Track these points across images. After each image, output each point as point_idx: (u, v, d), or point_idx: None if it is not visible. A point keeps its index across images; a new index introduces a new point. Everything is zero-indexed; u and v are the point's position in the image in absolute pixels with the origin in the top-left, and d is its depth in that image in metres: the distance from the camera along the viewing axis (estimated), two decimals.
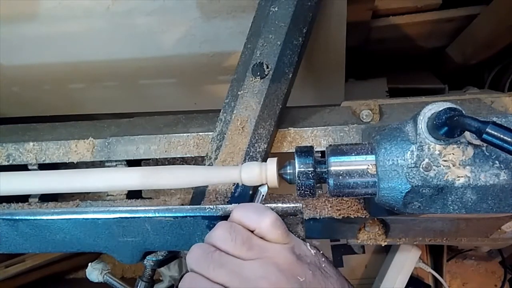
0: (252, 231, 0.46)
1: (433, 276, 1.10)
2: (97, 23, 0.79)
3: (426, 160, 0.46)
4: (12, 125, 0.78)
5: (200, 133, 0.66)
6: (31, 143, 0.70)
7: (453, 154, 0.46)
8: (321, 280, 0.44)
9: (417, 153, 0.46)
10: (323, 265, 0.46)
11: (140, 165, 0.71)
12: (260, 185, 0.53)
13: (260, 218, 0.45)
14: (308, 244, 0.47)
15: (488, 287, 1.23)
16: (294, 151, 0.52)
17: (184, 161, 0.71)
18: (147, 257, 0.57)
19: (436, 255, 1.12)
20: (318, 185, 0.52)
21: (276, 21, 0.62)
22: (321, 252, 0.48)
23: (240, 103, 0.62)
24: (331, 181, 0.50)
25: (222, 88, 0.89)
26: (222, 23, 0.77)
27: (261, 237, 0.46)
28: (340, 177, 0.50)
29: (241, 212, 0.47)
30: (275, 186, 0.53)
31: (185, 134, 0.67)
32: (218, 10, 0.76)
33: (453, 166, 0.45)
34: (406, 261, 1.02)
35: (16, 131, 0.75)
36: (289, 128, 0.65)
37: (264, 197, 0.51)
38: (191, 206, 0.56)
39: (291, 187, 0.54)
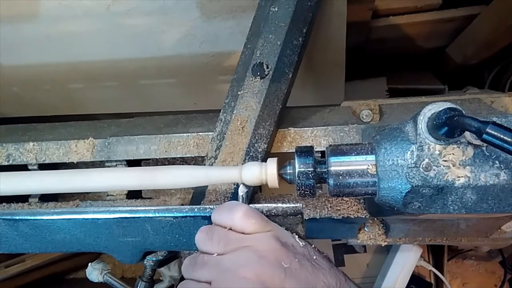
0: (230, 229, 0.47)
1: (434, 275, 1.10)
2: (97, 23, 0.79)
3: (426, 160, 0.46)
4: (12, 125, 0.78)
5: (200, 133, 0.66)
6: (31, 143, 0.70)
7: (453, 154, 0.46)
8: (311, 271, 0.44)
9: (417, 153, 0.46)
10: (314, 257, 0.46)
11: (140, 165, 0.71)
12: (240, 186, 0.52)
13: (231, 214, 0.46)
14: (296, 236, 0.48)
15: (488, 287, 1.23)
16: (294, 151, 0.52)
17: (184, 161, 0.71)
18: (147, 257, 0.57)
19: (437, 255, 1.12)
20: (318, 185, 0.52)
21: (276, 21, 0.62)
22: (313, 245, 0.48)
23: (240, 103, 0.62)
24: (331, 181, 0.50)
25: (222, 88, 0.89)
26: (222, 23, 0.77)
27: (241, 232, 0.46)
28: (340, 177, 0.50)
29: (216, 213, 0.49)
30: (276, 186, 0.53)
31: (185, 134, 0.67)
32: (218, 10, 0.76)
33: (453, 166, 0.45)
34: (408, 260, 1.03)
35: (16, 131, 0.75)
36: (289, 128, 0.65)
37: (245, 197, 0.50)
38: (191, 206, 0.56)
39: (291, 187, 0.54)
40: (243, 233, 0.46)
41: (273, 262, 0.43)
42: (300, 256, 0.44)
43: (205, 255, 0.46)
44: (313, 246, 0.48)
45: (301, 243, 0.46)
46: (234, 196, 0.62)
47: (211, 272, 0.44)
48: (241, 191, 0.50)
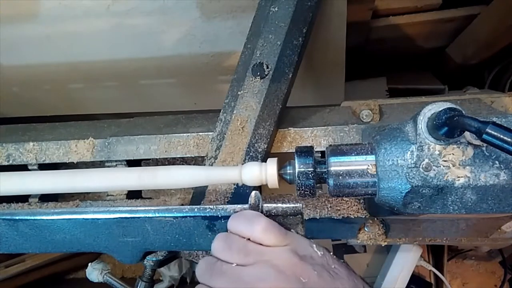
0: (248, 239, 0.46)
1: (434, 275, 1.10)
2: (97, 23, 0.79)
3: (426, 160, 0.46)
4: (12, 125, 0.78)
5: (200, 133, 0.66)
6: (31, 143, 0.70)
7: (453, 154, 0.46)
8: (329, 282, 0.44)
9: (417, 153, 0.46)
10: (333, 266, 0.45)
11: (140, 165, 0.71)
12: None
13: (251, 226, 0.46)
14: (315, 245, 0.47)
15: (488, 287, 1.23)
16: (294, 151, 0.52)
17: (184, 161, 0.71)
18: (147, 257, 0.57)
19: (437, 255, 1.12)
20: (318, 185, 0.52)
21: (276, 21, 0.62)
22: (331, 253, 0.47)
23: (240, 103, 0.62)
24: (331, 181, 0.50)
25: (222, 88, 0.89)
26: (222, 23, 0.77)
27: (258, 243, 0.46)
28: (340, 177, 0.50)
29: (234, 222, 0.48)
30: (276, 186, 0.53)
31: (185, 134, 0.67)
32: (218, 10, 0.76)
33: (453, 166, 0.45)
34: (407, 260, 1.03)
35: (16, 131, 0.75)
36: (289, 128, 0.65)
37: (258, 201, 0.50)
38: (191, 206, 0.56)
39: (291, 187, 0.54)
40: (260, 244, 0.46)
41: (291, 278, 0.43)
42: (318, 268, 0.44)
43: (223, 263, 0.45)
44: (331, 253, 0.47)
45: (319, 252, 0.46)
46: (234, 196, 0.62)
47: (230, 283, 0.44)
48: (255, 198, 0.49)
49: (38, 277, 1.10)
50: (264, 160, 0.58)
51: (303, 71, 0.81)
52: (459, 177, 0.45)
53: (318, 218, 0.63)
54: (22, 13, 0.79)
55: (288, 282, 0.42)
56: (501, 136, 0.38)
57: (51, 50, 0.84)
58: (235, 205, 0.50)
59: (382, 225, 0.67)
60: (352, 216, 0.63)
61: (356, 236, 0.68)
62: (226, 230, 0.49)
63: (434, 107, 0.45)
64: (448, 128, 0.43)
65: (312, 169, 0.50)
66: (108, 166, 0.69)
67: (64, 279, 1.25)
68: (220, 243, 0.47)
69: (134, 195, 0.70)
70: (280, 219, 0.49)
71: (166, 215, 0.52)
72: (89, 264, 0.64)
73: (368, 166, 0.50)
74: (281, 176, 0.53)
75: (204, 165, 0.63)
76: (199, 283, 0.47)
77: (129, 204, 0.68)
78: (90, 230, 0.54)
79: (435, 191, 0.46)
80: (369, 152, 0.50)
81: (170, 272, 1.12)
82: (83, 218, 0.53)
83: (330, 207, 0.64)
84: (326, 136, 0.64)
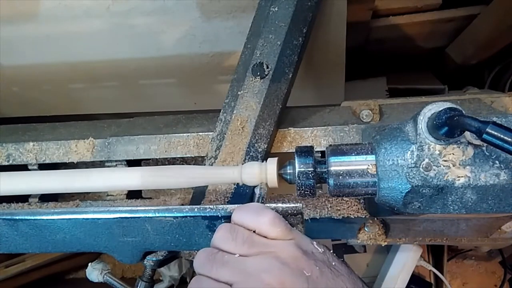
0: (253, 231, 0.46)
1: (434, 275, 1.10)
2: (97, 23, 0.79)
3: (426, 160, 0.46)
4: (12, 125, 0.78)
5: (200, 133, 0.67)
6: (31, 143, 0.70)
7: (453, 154, 0.46)
8: (331, 278, 0.43)
9: (417, 153, 0.46)
10: (333, 263, 0.45)
11: (140, 165, 0.71)
12: (255, 186, 0.53)
13: (258, 218, 0.46)
14: (315, 243, 0.47)
15: (488, 287, 1.23)
16: (294, 151, 0.52)
17: (184, 161, 0.71)
18: (147, 257, 0.57)
19: (436, 255, 1.12)
20: (318, 185, 0.52)
21: (276, 21, 0.62)
22: (331, 251, 0.47)
23: (240, 103, 0.62)
24: (331, 181, 0.50)
25: (222, 88, 0.89)
26: (222, 23, 0.77)
27: (263, 236, 0.46)
28: (340, 177, 0.50)
29: (240, 213, 0.48)
30: (275, 186, 0.53)
31: (185, 134, 0.67)
32: (218, 10, 0.76)
33: (453, 166, 0.46)
34: (407, 260, 1.02)
35: (16, 131, 0.75)
36: (289, 128, 0.65)
37: (262, 196, 0.50)
38: (191, 206, 0.56)
39: (291, 187, 0.54)
40: (265, 237, 0.46)
41: (295, 270, 0.42)
42: (320, 264, 0.44)
43: (225, 253, 0.45)
44: (331, 251, 0.47)
45: (320, 249, 0.46)
46: (234, 196, 0.62)
47: (233, 273, 0.43)
48: (260, 190, 0.50)
49: (38, 277, 1.10)
50: (264, 160, 0.58)
51: (303, 71, 0.81)
52: (459, 177, 0.45)
53: (318, 218, 0.63)
54: (22, 13, 0.79)
55: (292, 274, 0.42)
56: (501, 136, 0.38)
57: (51, 50, 0.84)
58: (235, 205, 0.50)
59: (382, 225, 0.67)
60: (352, 216, 0.63)
61: (356, 236, 0.68)
62: None
63: (434, 107, 0.45)
64: (448, 128, 0.43)
65: (312, 169, 0.50)
66: (108, 166, 0.69)
67: (64, 279, 1.25)
68: (223, 234, 0.46)
69: (134, 195, 0.70)
70: None
71: (166, 215, 0.52)
72: (89, 264, 0.64)
73: (368, 166, 0.50)
74: (281, 176, 0.53)
75: (204, 165, 0.63)
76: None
77: (129, 204, 0.68)
78: (90, 230, 0.54)
79: (435, 191, 0.46)
80: (369, 152, 0.50)
81: (170, 272, 1.12)
82: (83, 218, 0.53)
83: (330, 207, 0.64)
84: (326, 136, 0.64)
